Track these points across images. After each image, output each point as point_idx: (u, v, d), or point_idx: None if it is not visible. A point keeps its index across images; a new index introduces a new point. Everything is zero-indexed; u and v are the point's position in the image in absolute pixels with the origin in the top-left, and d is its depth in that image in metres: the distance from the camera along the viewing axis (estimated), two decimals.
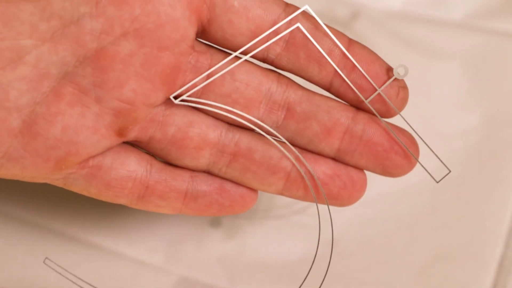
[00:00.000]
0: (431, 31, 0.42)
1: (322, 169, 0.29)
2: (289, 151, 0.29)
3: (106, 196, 0.29)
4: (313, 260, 0.30)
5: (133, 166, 0.28)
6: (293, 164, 0.29)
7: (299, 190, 0.29)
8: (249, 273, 0.35)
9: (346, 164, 0.29)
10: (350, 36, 0.28)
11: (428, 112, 0.39)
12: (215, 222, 0.36)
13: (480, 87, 0.39)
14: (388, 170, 0.29)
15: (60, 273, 0.30)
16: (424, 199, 0.36)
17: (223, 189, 0.29)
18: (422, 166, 0.29)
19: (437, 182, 0.29)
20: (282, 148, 0.28)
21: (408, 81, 0.39)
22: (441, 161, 0.29)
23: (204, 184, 0.29)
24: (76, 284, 0.30)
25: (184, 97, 0.27)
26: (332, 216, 0.36)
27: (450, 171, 0.29)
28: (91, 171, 0.28)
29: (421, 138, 0.29)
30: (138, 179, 0.28)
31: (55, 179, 0.28)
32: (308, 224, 0.36)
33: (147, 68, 0.26)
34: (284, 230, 0.36)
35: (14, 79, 0.25)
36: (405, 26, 0.42)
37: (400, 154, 0.29)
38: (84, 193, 0.28)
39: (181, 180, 0.29)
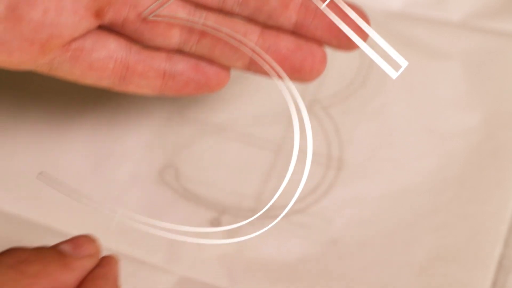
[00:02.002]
0: (431, 31, 0.42)
1: (284, 43, 0.31)
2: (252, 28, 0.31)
3: (90, 78, 0.30)
4: None
5: (113, 47, 0.30)
6: (257, 39, 0.31)
7: (264, 65, 0.31)
8: (249, 272, 0.35)
9: (305, 37, 0.31)
10: None
11: (428, 112, 0.39)
12: (215, 222, 0.36)
13: (480, 87, 0.39)
14: (342, 43, 0.31)
15: (53, 187, 0.30)
16: (424, 199, 0.36)
17: (198, 67, 0.31)
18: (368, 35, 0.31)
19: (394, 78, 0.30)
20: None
21: (408, 81, 0.39)
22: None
23: (180, 63, 0.31)
24: (71, 197, 0.30)
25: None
26: (331, 216, 0.36)
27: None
28: (74, 53, 0.30)
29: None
30: (119, 60, 0.31)
31: (41, 65, 0.29)
32: (308, 223, 0.36)
33: None
34: (284, 230, 0.36)
35: None
36: (405, 26, 0.42)
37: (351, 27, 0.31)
38: (68, 77, 0.30)
39: (158, 59, 0.31)
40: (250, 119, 0.40)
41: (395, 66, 0.31)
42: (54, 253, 0.26)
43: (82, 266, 0.27)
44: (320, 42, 0.31)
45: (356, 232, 0.35)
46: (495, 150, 0.37)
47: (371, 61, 0.41)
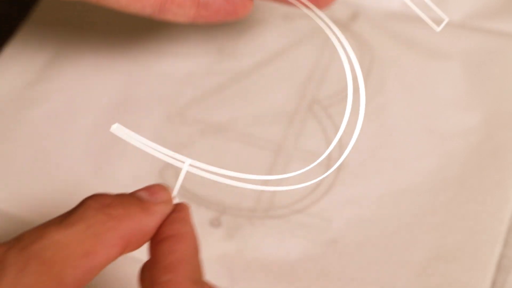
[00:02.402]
0: (431, 31, 0.42)
1: None
2: None
3: (134, 6, 0.34)
4: None
5: None
6: None
7: None
8: (249, 273, 0.35)
9: None
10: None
11: (428, 112, 0.39)
12: (215, 222, 0.36)
13: (480, 87, 0.39)
14: None
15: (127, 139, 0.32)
16: (423, 199, 0.36)
17: None
18: None
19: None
20: None
21: (408, 81, 0.39)
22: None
23: None
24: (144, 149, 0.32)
25: None
26: (331, 216, 0.36)
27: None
28: None
29: None
30: None
31: None
32: (308, 223, 0.36)
33: None
34: (284, 230, 0.36)
35: None
36: (405, 26, 0.42)
37: None
38: (116, 5, 0.34)
39: None
40: (250, 119, 0.40)
41: (437, 21, 0.32)
42: (134, 199, 0.28)
43: (160, 211, 0.28)
44: None
45: (355, 232, 0.35)
46: (495, 150, 0.37)
47: (371, 61, 0.41)
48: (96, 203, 0.27)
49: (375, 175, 0.37)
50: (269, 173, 0.38)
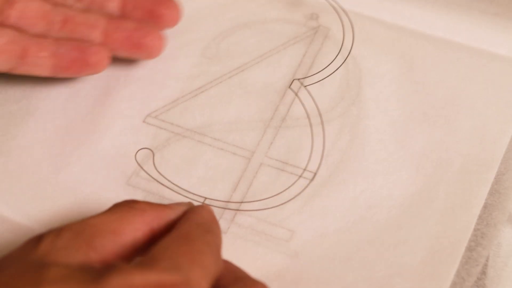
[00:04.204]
0: (410, 43, 0.42)
1: (126, 24, 0.40)
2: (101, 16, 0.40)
3: None
4: None
5: (11, 33, 0.38)
6: (108, 21, 0.40)
7: (115, 42, 0.40)
8: None
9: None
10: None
11: (401, 127, 0.39)
12: None
13: (451, 101, 0.40)
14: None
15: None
16: (389, 214, 0.36)
17: (80, 46, 0.39)
18: None
19: None
20: None
21: (382, 95, 0.39)
22: None
23: (66, 44, 0.39)
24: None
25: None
26: (295, 227, 0.36)
27: None
28: None
29: None
30: (18, 41, 0.38)
31: None
32: (270, 233, 0.36)
33: None
34: (247, 239, 0.36)
35: None
36: (389, 36, 0.42)
37: (171, 5, 0.41)
38: None
39: (48, 40, 0.39)
40: (226, 125, 0.40)
41: None
42: (157, 202, 0.33)
43: (181, 208, 0.32)
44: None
45: (318, 245, 0.36)
46: (463, 169, 0.38)
47: (348, 71, 0.41)
48: (123, 202, 0.31)
49: (342, 188, 0.37)
50: (239, 180, 0.38)
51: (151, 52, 0.40)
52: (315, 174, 0.38)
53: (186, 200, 0.37)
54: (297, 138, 0.39)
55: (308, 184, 0.38)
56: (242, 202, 0.37)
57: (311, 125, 0.40)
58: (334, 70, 0.42)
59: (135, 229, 0.30)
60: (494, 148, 0.38)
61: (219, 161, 0.39)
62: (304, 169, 0.38)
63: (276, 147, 0.39)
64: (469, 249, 0.35)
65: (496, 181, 0.37)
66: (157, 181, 0.38)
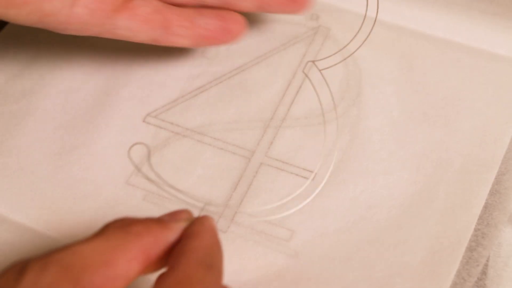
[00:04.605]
0: (415, 42, 0.42)
1: None
2: None
3: (144, 32, 0.37)
4: None
5: (156, 3, 0.38)
6: None
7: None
8: None
9: None
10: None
11: (401, 127, 0.39)
12: None
13: (451, 103, 0.40)
14: None
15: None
16: (390, 214, 0.36)
17: (221, 15, 0.38)
18: None
19: None
20: None
21: (383, 94, 0.39)
22: None
23: (207, 14, 0.38)
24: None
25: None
26: (295, 227, 0.36)
27: None
28: (131, 11, 0.37)
29: None
30: (163, 13, 0.37)
31: (108, 26, 0.36)
32: (271, 233, 0.36)
33: None
34: (247, 239, 0.36)
35: None
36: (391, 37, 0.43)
37: None
38: (128, 33, 0.37)
39: (189, 12, 0.38)
40: (226, 124, 0.40)
41: None
42: (154, 219, 0.29)
43: (180, 227, 0.29)
44: None
45: (318, 245, 0.36)
46: (463, 169, 0.38)
47: (349, 71, 0.41)
48: (117, 223, 0.28)
49: (342, 188, 0.37)
50: (239, 180, 0.38)
51: (301, 6, 0.39)
52: (315, 174, 0.38)
53: (184, 203, 0.37)
54: (297, 138, 0.39)
55: (308, 184, 0.38)
56: (242, 201, 0.37)
57: (311, 125, 0.40)
58: (333, 64, 0.42)
59: (130, 259, 0.27)
60: (494, 148, 0.38)
61: (219, 160, 0.39)
62: (304, 169, 0.38)
63: (276, 146, 0.39)
64: (470, 249, 0.35)
65: (496, 181, 0.37)
66: (155, 182, 0.38)
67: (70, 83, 0.42)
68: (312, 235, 0.36)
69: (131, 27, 0.37)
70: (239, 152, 0.39)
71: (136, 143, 0.39)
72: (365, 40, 0.42)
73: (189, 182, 0.38)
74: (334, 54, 0.42)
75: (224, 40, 0.38)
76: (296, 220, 0.37)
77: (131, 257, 0.27)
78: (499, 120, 0.39)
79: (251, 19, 0.44)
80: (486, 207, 0.36)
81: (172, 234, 0.29)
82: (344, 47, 0.42)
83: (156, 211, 0.37)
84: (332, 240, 0.36)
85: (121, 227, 0.28)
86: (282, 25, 0.44)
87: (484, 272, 0.35)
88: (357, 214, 0.37)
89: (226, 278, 0.32)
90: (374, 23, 0.43)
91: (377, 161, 0.38)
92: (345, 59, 0.42)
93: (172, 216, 0.30)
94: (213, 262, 0.28)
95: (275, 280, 0.34)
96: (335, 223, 0.36)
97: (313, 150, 0.39)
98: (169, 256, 0.28)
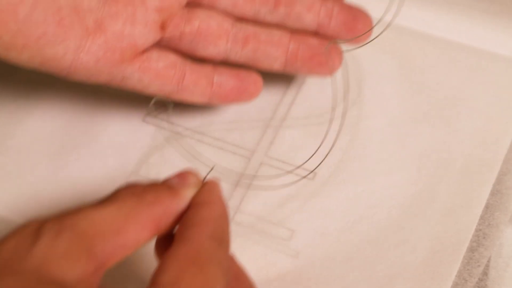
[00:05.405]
0: (419, 43, 0.42)
1: (310, 41, 0.38)
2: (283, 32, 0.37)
3: (155, 86, 0.36)
4: None
5: (173, 57, 0.36)
6: (290, 37, 0.37)
7: (298, 62, 0.38)
8: None
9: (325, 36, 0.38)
10: None
11: (403, 127, 0.39)
12: None
13: (456, 104, 0.40)
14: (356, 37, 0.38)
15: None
16: (391, 214, 0.36)
17: (239, 75, 0.37)
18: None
19: None
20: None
21: (384, 94, 0.39)
22: None
23: (225, 72, 0.37)
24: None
25: None
26: (295, 227, 0.36)
27: None
28: (143, 64, 0.35)
29: None
30: (178, 68, 0.36)
31: (115, 75, 0.35)
32: (271, 232, 0.36)
33: None
34: (247, 238, 0.36)
35: None
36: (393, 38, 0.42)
37: (367, 21, 0.38)
38: (138, 85, 0.35)
39: (207, 69, 0.37)
40: (226, 124, 0.40)
41: None
42: (164, 186, 0.30)
43: (189, 194, 0.30)
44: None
45: (318, 245, 0.36)
46: (464, 169, 0.38)
47: (351, 72, 0.41)
48: (128, 191, 0.29)
49: (342, 188, 0.37)
50: (239, 180, 0.38)
51: (331, 71, 0.38)
52: (315, 174, 0.38)
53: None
54: (297, 138, 0.39)
55: (308, 184, 0.37)
56: (242, 201, 0.37)
57: (311, 125, 0.40)
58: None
59: (141, 227, 0.28)
60: (496, 148, 0.38)
61: (219, 160, 0.39)
62: (304, 169, 0.38)
63: (276, 146, 0.39)
64: (471, 249, 0.35)
65: (498, 182, 0.37)
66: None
67: (70, 83, 0.42)
68: (312, 235, 0.36)
69: (142, 79, 0.35)
70: (239, 151, 0.39)
71: (135, 143, 0.39)
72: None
73: None
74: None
75: (238, 100, 0.37)
76: (296, 220, 0.36)
77: (142, 226, 0.28)
78: (500, 120, 0.39)
79: None
80: (487, 207, 0.36)
81: (182, 202, 0.29)
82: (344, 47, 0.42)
83: None
84: (332, 240, 0.36)
85: (132, 194, 0.28)
86: None
87: (485, 273, 0.35)
88: (357, 214, 0.36)
89: None
90: (374, 23, 0.42)
91: (378, 161, 0.38)
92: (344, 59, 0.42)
93: (181, 179, 0.30)
94: (223, 236, 0.29)
95: (275, 280, 0.34)
96: (335, 223, 0.36)
97: (313, 150, 0.39)
98: (179, 225, 0.29)
